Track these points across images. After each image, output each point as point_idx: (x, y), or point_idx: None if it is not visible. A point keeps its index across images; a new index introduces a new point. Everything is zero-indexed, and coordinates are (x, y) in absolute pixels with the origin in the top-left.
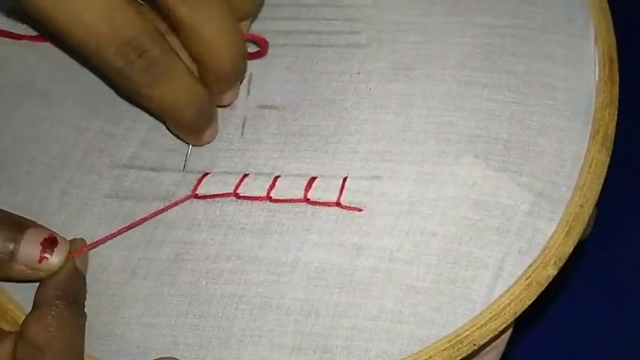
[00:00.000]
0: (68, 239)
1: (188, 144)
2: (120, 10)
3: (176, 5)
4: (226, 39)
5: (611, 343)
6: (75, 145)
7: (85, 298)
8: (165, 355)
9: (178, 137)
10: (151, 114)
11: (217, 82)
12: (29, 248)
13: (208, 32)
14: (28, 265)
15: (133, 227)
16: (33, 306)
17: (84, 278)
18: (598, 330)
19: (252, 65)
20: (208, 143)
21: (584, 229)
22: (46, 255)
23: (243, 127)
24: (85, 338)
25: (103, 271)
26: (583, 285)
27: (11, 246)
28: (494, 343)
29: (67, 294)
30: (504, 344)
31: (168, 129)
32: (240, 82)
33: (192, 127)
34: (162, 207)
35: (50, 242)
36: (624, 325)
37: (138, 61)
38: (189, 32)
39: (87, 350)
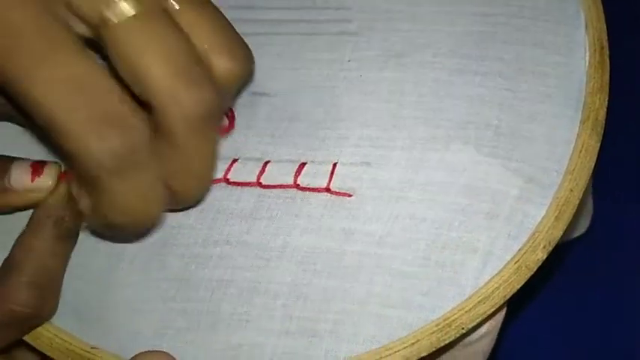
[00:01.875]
0: None
1: None
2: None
3: (182, 132)
4: (206, 177)
5: (605, 334)
6: None
7: (73, 223)
8: (154, 349)
9: None
10: None
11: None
12: (20, 172)
13: (197, 168)
14: (23, 188)
15: None
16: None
17: (75, 202)
18: (595, 324)
19: None
20: None
21: (582, 223)
22: (36, 176)
23: None
24: (74, 323)
25: (92, 257)
26: (577, 276)
27: (2, 175)
28: (486, 330)
29: (56, 213)
30: (497, 331)
31: None
32: None
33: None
34: None
35: (38, 166)
36: (618, 315)
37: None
38: (179, 155)
39: (77, 335)
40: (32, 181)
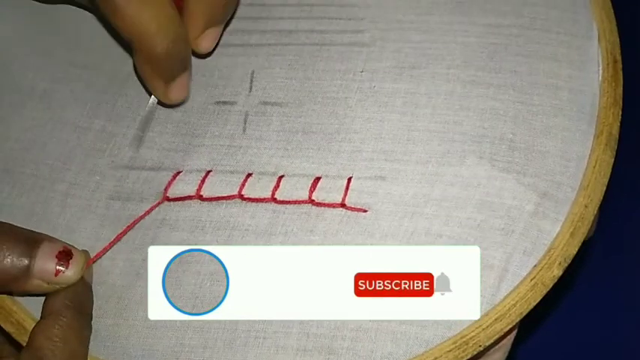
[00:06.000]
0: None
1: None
2: None
3: None
4: (158, 25)
5: (615, 344)
6: (77, 145)
7: (92, 309)
8: None
9: (164, 105)
10: (122, 42)
11: (154, 70)
12: (45, 262)
13: (140, 19)
14: (45, 279)
15: (131, 227)
16: (41, 315)
17: (90, 289)
18: (602, 331)
19: (254, 63)
20: (176, 103)
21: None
22: (61, 268)
23: (245, 122)
24: (90, 341)
25: (108, 274)
26: (587, 286)
27: (27, 261)
28: (499, 344)
29: (75, 304)
30: (510, 344)
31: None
32: (187, 76)
33: (162, 63)
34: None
35: (65, 255)
36: (628, 327)
37: None
38: (123, 17)
39: (92, 353)
40: (56, 275)
